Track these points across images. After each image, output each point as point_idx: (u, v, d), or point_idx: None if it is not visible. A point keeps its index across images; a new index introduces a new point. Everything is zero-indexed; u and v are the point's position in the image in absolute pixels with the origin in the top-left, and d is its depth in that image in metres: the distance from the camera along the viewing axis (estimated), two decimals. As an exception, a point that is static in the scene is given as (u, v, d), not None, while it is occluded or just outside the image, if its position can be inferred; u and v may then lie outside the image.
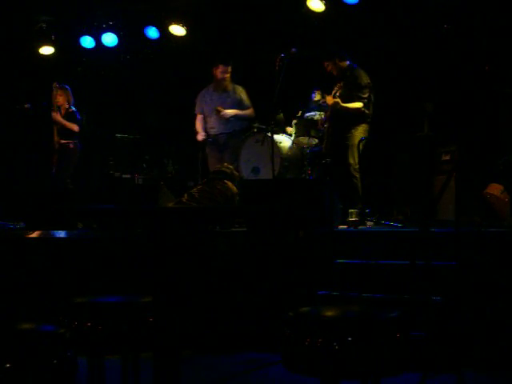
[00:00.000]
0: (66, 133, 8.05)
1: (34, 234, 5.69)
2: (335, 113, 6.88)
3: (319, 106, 7.90)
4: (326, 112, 7.45)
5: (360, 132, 6.74)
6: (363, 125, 6.77)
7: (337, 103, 6.73)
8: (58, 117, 8.03)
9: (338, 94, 6.82)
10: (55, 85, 8.16)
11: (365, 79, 6.80)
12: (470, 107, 6.93)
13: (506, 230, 5.07)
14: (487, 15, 7.15)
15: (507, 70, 6.84)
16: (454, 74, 7.25)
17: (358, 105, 6.73)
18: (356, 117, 6.75)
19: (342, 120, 6.81)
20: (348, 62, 6.93)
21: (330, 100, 6.82)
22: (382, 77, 7.09)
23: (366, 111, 6.77)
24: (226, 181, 6.33)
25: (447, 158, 6.77)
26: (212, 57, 7.92)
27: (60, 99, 8.13)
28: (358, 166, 6.68)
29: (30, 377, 2.30)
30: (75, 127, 8.04)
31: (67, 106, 8.14)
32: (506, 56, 6.96)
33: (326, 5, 7.67)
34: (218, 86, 7.79)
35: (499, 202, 6.08)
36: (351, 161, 6.68)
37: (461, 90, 7.17)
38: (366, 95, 6.75)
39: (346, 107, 6.75)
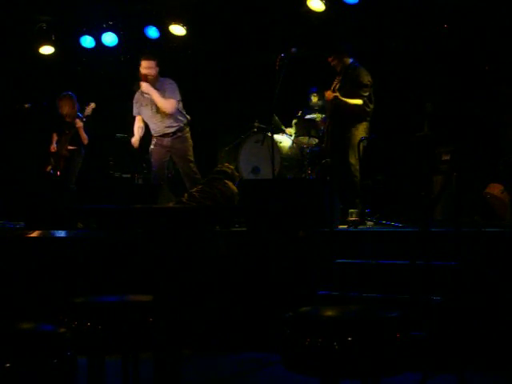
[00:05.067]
0: (74, 139, 8.06)
1: (34, 234, 5.68)
2: (335, 110, 6.85)
3: (318, 108, 7.91)
4: (325, 112, 7.45)
5: (361, 131, 6.71)
6: (363, 123, 6.74)
7: (336, 97, 6.70)
8: (80, 124, 8.00)
9: (337, 87, 6.78)
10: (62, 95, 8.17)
11: (366, 78, 6.77)
12: (470, 107, 6.93)
13: (505, 230, 5.07)
14: (487, 15, 7.15)
15: (507, 69, 6.84)
16: (454, 73, 7.25)
17: (358, 101, 6.69)
18: (356, 114, 6.72)
19: (342, 118, 6.79)
20: (351, 60, 6.92)
21: (329, 95, 6.77)
22: (382, 77, 7.08)
23: (367, 109, 6.75)
24: (226, 181, 6.33)
25: (447, 158, 6.77)
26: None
27: (65, 109, 8.11)
28: (358, 166, 6.67)
29: (30, 377, 2.30)
30: (86, 140, 8.06)
31: (79, 114, 8.11)
32: (506, 56, 6.96)
33: (326, 5, 7.67)
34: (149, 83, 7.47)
35: (499, 202, 6.08)
36: (352, 161, 6.66)
37: (461, 90, 7.16)
38: (366, 93, 6.71)
39: (346, 101, 6.71)
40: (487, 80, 6.88)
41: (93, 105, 8.05)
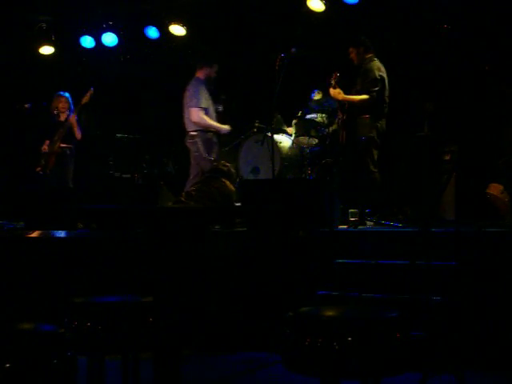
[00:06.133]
0: (66, 138, 8.08)
1: (34, 234, 5.68)
2: (344, 106, 6.84)
3: (320, 106, 7.91)
4: (333, 109, 7.45)
5: (368, 128, 6.64)
6: (371, 120, 6.65)
7: (338, 93, 6.71)
8: (73, 119, 8.04)
9: (333, 82, 6.76)
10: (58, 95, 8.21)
11: (377, 72, 6.66)
12: (470, 107, 6.93)
13: (505, 230, 5.07)
14: (487, 15, 7.15)
15: (507, 69, 6.84)
16: (454, 73, 7.25)
17: (364, 97, 6.61)
18: (362, 110, 6.64)
19: (352, 114, 6.76)
20: (371, 55, 6.85)
21: (332, 92, 6.78)
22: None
23: (375, 104, 6.62)
24: (223, 179, 6.33)
25: (447, 157, 6.78)
26: (206, 56, 7.84)
27: (60, 106, 8.15)
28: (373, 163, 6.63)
29: (30, 377, 2.30)
30: (79, 135, 8.10)
31: (68, 112, 8.15)
32: (506, 56, 6.96)
33: (326, 5, 7.67)
34: (210, 84, 7.63)
35: (499, 202, 6.08)
36: (368, 159, 6.64)
37: (461, 90, 7.16)
38: (375, 88, 6.59)
39: (350, 98, 6.70)
40: (487, 80, 6.88)
41: (91, 91, 8.05)
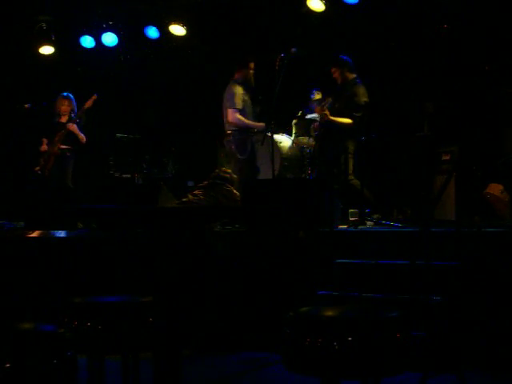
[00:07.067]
0: (67, 139, 8.08)
1: (34, 234, 5.69)
2: (326, 124, 7.04)
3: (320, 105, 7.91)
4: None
5: (349, 145, 6.82)
6: (350, 141, 6.83)
7: (325, 115, 6.88)
8: (73, 127, 8.05)
9: (326, 105, 6.94)
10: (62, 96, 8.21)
11: (363, 98, 6.83)
12: (470, 107, 6.93)
13: (506, 230, 5.06)
14: (487, 15, 7.15)
15: (507, 69, 6.84)
16: (454, 73, 7.25)
17: (348, 121, 6.80)
18: (344, 131, 6.83)
19: (331, 131, 6.96)
20: (354, 76, 6.92)
21: (318, 111, 6.97)
22: (382, 77, 7.09)
23: (356, 128, 6.79)
24: (228, 185, 6.35)
25: (447, 157, 6.77)
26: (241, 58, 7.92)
27: (62, 108, 8.16)
28: (351, 171, 6.73)
29: (30, 377, 2.30)
30: (83, 138, 8.11)
31: (72, 115, 8.16)
32: (506, 56, 6.96)
33: (326, 5, 7.67)
34: (249, 83, 7.80)
35: (499, 202, 6.08)
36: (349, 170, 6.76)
37: (461, 90, 7.16)
38: (359, 114, 6.79)
39: (335, 121, 6.84)
40: (487, 80, 6.88)
41: (94, 97, 8.07)
